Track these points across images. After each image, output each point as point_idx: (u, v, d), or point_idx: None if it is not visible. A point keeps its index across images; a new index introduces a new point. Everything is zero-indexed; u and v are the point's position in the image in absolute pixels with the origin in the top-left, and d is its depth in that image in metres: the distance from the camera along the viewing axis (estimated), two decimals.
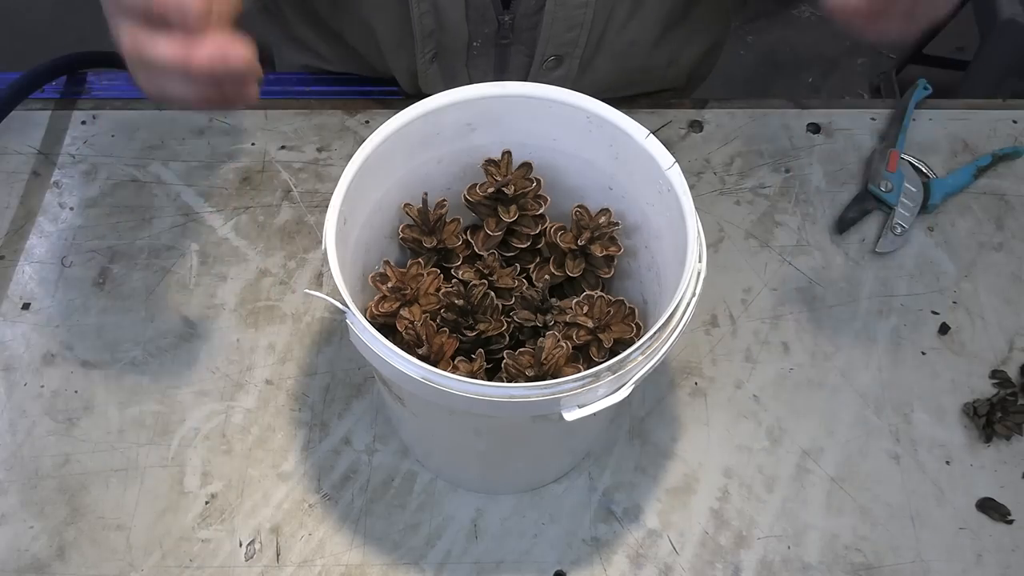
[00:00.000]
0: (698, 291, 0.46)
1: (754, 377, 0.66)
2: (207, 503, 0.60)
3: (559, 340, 0.49)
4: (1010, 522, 0.61)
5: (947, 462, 0.63)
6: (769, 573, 0.59)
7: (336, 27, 0.78)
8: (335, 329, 0.67)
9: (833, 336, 0.68)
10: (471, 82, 0.53)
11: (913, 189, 0.73)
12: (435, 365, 0.49)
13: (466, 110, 0.53)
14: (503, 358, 0.54)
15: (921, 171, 0.75)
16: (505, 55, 0.70)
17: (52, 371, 0.65)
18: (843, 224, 0.73)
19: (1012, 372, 0.66)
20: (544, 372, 0.50)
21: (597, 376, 0.43)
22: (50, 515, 0.60)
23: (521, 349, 0.50)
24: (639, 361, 0.44)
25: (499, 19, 0.66)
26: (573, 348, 0.51)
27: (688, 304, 0.46)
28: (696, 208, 0.48)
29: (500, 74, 0.70)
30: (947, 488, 0.62)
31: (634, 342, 0.45)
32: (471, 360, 0.52)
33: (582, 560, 0.59)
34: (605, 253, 0.54)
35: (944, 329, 0.68)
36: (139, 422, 0.63)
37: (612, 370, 0.43)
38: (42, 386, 0.64)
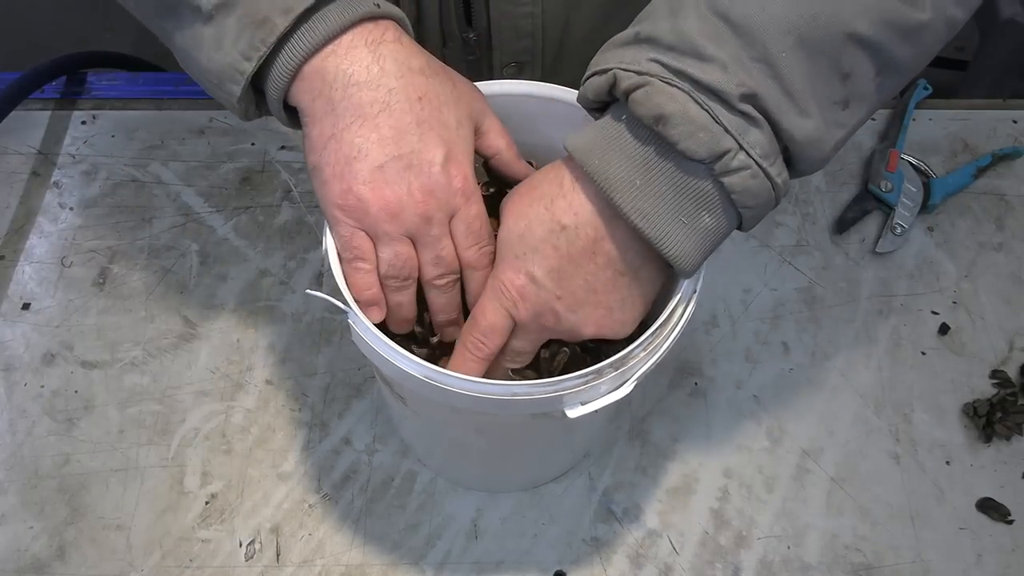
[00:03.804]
0: (699, 287, 0.46)
1: (754, 377, 0.66)
2: (207, 503, 0.60)
3: (561, 345, 0.50)
4: (1010, 522, 0.61)
5: (947, 462, 0.63)
6: (769, 573, 0.59)
7: None
8: (335, 329, 0.67)
9: (833, 336, 0.68)
10: None
11: (913, 189, 0.73)
12: (438, 360, 0.50)
13: None
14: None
15: (921, 171, 0.75)
16: (474, 69, 0.70)
17: (52, 371, 0.65)
18: (843, 224, 0.73)
19: (1012, 372, 0.66)
20: (546, 371, 0.50)
21: (599, 373, 0.43)
22: (50, 515, 0.60)
23: None
24: (641, 358, 0.44)
25: (463, 36, 0.66)
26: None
27: (689, 301, 0.46)
28: None
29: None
30: (947, 488, 0.62)
31: (635, 338, 0.45)
32: None
33: (582, 560, 0.59)
34: None
35: (944, 329, 0.68)
36: (139, 422, 0.63)
37: (614, 367, 0.43)
38: (42, 386, 0.64)
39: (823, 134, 0.41)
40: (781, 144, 0.41)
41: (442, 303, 0.49)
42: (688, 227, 0.42)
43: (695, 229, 0.42)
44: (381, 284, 0.47)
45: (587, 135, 0.43)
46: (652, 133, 0.41)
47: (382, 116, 0.44)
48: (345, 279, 0.46)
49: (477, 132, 0.49)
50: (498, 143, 0.50)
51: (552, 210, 0.44)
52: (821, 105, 0.41)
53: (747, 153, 0.40)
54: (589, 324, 0.45)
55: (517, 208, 0.46)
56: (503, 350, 0.47)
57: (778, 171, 0.41)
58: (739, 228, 0.44)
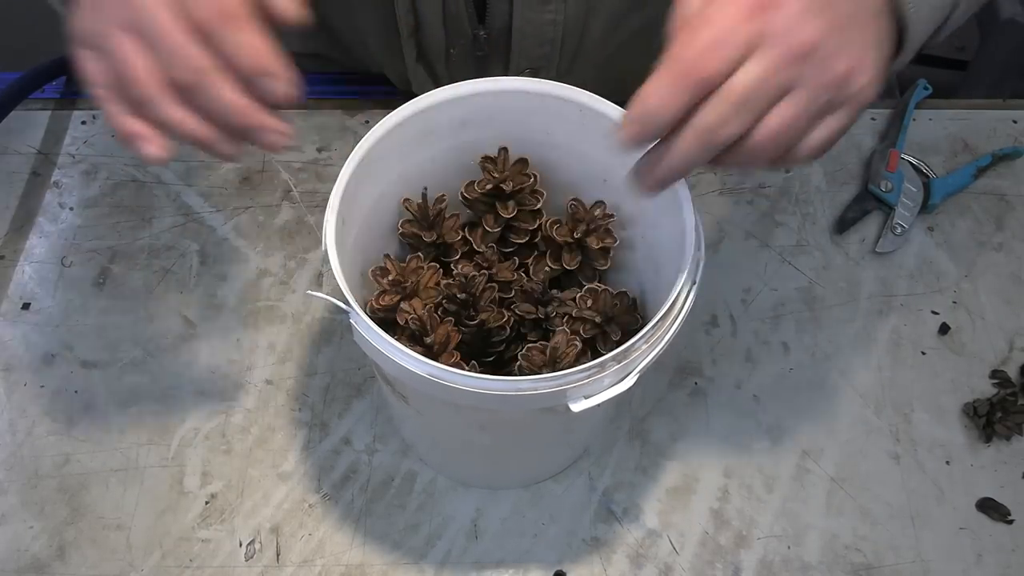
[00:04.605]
0: (698, 279, 0.46)
1: (754, 377, 0.66)
2: (207, 503, 0.60)
3: (571, 338, 0.50)
4: (1010, 522, 0.61)
5: (947, 462, 0.63)
6: (769, 573, 0.59)
7: (328, 22, 0.77)
8: (335, 329, 0.67)
9: (833, 336, 0.68)
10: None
11: (913, 189, 0.73)
12: (438, 356, 0.50)
13: (459, 107, 0.53)
14: (504, 351, 0.54)
15: (921, 171, 0.75)
16: (483, 65, 0.70)
17: (52, 371, 0.65)
18: (843, 224, 0.73)
19: (1012, 372, 0.66)
20: (557, 369, 0.50)
21: (603, 366, 0.43)
22: (50, 515, 0.60)
23: (530, 345, 0.50)
24: (643, 350, 0.44)
25: (474, 33, 0.66)
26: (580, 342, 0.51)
27: (689, 292, 0.46)
28: (696, 208, 0.48)
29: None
30: (947, 488, 0.62)
31: (636, 331, 0.45)
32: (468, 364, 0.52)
33: (582, 560, 0.59)
34: (601, 245, 0.54)
35: (944, 329, 0.68)
36: (139, 422, 0.63)
37: (617, 360, 0.43)
38: (42, 386, 0.64)
39: None
40: None
41: (215, 105, 0.38)
42: None
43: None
44: (138, 110, 0.38)
45: None
46: None
47: None
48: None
49: None
50: None
51: None
52: None
53: None
54: (844, 55, 0.36)
55: None
56: (716, 102, 0.35)
57: None
58: (939, 33, 0.42)
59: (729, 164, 0.38)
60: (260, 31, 0.37)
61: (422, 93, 0.52)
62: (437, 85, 0.52)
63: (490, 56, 0.69)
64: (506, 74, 0.68)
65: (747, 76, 0.34)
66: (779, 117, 0.35)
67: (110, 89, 0.38)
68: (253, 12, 0.38)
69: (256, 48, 0.37)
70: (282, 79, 0.38)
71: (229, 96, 0.38)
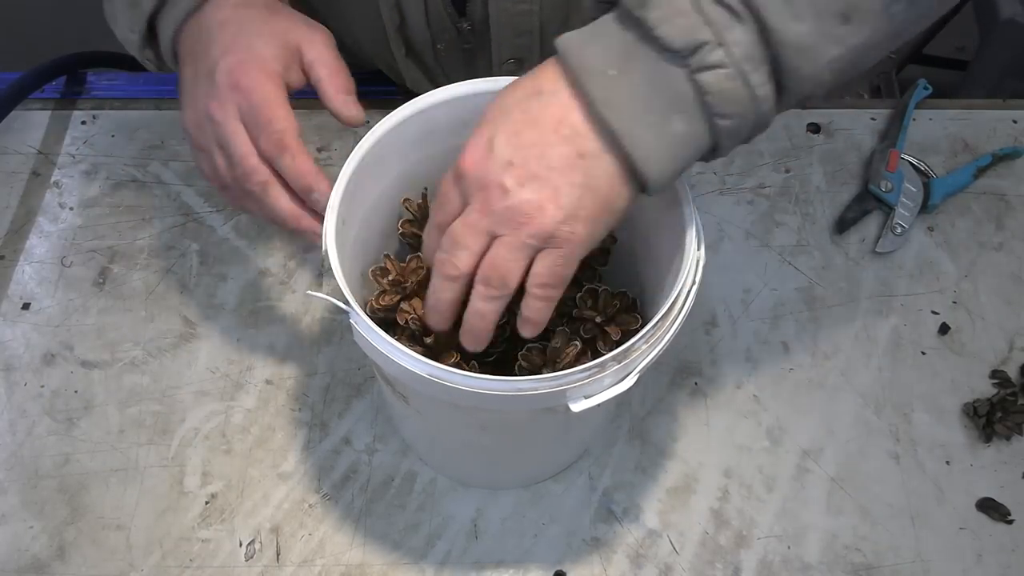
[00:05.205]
0: (698, 279, 0.46)
1: (754, 377, 0.66)
2: (207, 503, 0.60)
3: (571, 338, 0.50)
4: (1010, 522, 0.61)
5: (947, 462, 0.63)
6: (769, 573, 0.59)
7: (321, 17, 0.78)
8: (335, 329, 0.67)
9: (833, 336, 0.68)
10: (445, 79, 0.52)
11: (913, 189, 0.73)
12: (438, 356, 0.50)
13: (459, 107, 0.53)
14: (504, 351, 0.53)
15: (921, 171, 0.75)
16: (471, 58, 0.70)
17: (52, 371, 0.65)
18: (843, 224, 0.73)
19: (1012, 372, 0.66)
20: (557, 370, 0.50)
21: (603, 366, 0.43)
22: (50, 515, 0.60)
23: (530, 345, 0.50)
24: (643, 350, 0.44)
25: (457, 27, 0.66)
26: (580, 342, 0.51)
27: (689, 292, 0.46)
28: (696, 208, 0.48)
29: (468, 74, 0.72)
30: (947, 488, 0.62)
31: (637, 331, 0.45)
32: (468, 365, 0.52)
33: (582, 560, 0.59)
34: (601, 245, 0.54)
35: (944, 329, 0.68)
36: (139, 422, 0.63)
37: (617, 360, 0.43)
38: (42, 386, 0.64)
39: (816, 43, 0.39)
40: (771, 52, 0.39)
41: (258, 206, 0.52)
42: (658, 128, 0.40)
43: (664, 132, 0.40)
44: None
45: (579, 30, 0.42)
46: (634, 20, 0.39)
47: (198, 47, 0.52)
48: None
49: (303, 63, 0.53)
50: (319, 72, 0.52)
51: (535, 79, 0.43)
52: (817, 12, 0.38)
53: (726, 50, 0.38)
54: (533, 202, 0.42)
55: (504, 90, 0.45)
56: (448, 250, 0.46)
57: (761, 81, 0.39)
58: (715, 151, 0.42)
59: (487, 300, 0.45)
60: (306, 155, 0.50)
61: (415, 86, 0.52)
62: (429, 78, 0.52)
63: (476, 48, 0.69)
64: (491, 65, 0.68)
65: (456, 224, 0.44)
66: (490, 254, 0.44)
67: (213, 180, 0.53)
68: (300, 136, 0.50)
69: (303, 172, 0.49)
70: (323, 192, 0.49)
71: (283, 205, 0.51)
